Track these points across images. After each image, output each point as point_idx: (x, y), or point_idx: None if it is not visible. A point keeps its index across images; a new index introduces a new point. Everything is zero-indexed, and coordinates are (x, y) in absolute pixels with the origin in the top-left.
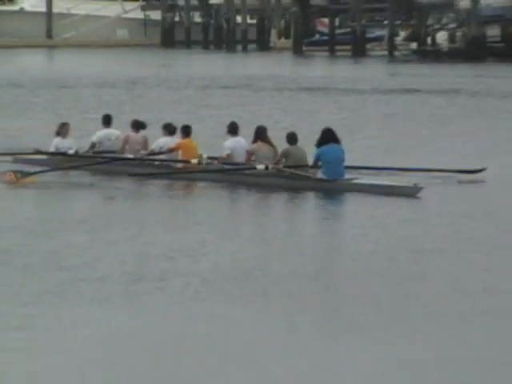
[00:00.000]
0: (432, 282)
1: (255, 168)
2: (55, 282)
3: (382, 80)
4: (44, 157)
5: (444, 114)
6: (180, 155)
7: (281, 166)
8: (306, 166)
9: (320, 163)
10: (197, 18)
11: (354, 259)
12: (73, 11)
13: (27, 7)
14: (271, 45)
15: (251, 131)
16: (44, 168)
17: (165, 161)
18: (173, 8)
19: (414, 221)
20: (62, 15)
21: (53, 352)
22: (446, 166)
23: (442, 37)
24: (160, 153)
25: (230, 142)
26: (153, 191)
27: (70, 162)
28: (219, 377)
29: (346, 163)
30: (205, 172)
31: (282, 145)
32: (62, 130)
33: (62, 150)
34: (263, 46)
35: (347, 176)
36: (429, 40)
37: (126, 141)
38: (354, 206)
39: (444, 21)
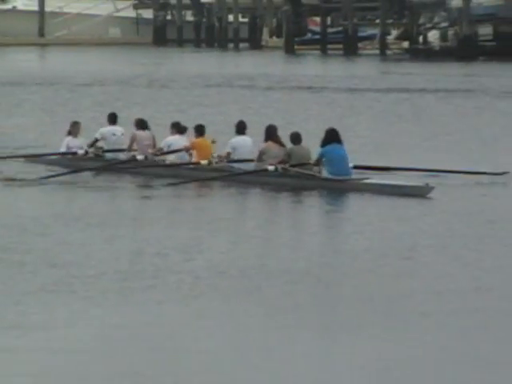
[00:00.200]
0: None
1: (266, 170)
2: (51, 279)
3: (374, 79)
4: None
5: (435, 113)
6: (194, 155)
7: (287, 165)
8: (309, 164)
9: (324, 161)
10: (189, 16)
11: (355, 258)
12: (65, 10)
13: (19, 6)
14: (263, 43)
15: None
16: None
17: (174, 163)
18: (165, 7)
19: (423, 221)
20: (54, 14)
21: (47, 349)
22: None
23: (433, 35)
24: (172, 151)
25: (235, 141)
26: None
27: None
28: (214, 374)
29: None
30: (215, 173)
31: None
32: (74, 130)
33: (74, 149)
34: (255, 44)
35: (357, 176)
36: (420, 39)
37: (134, 138)
38: (363, 205)
39: (436, 19)
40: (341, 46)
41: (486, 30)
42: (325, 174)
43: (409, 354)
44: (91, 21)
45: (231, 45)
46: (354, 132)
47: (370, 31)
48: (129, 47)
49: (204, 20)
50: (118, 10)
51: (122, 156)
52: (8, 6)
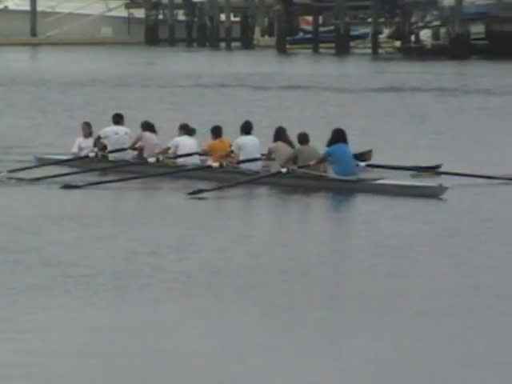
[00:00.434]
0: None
1: (280, 172)
2: (45, 278)
3: (366, 78)
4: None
5: (427, 112)
6: (211, 156)
7: (294, 166)
8: (313, 164)
9: (330, 160)
10: (180, 16)
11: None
12: (57, 9)
13: (11, 6)
14: (255, 43)
15: (236, 129)
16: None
17: (184, 165)
18: (156, 6)
19: (435, 222)
20: (45, 13)
21: (41, 349)
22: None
23: (425, 34)
24: (187, 154)
25: (240, 140)
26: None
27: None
28: (209, 374)
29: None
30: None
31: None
32: (85, 130)
33: (86, 150)
34: (247, 43)
35: (370, 176)
36: (413, 37)
37: (139, 138)
38: (375, 206)
39: (428, 18)
40: (333, 45)
41: (477, 29)
42: (331, 173)
43: (404, 353)
44: (83, 20)
45: (223, 44)
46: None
47: (362, 30)
48: (121, 47)
49: (196, 19)
50: (109, 10)
51: (126, 156)
52: None
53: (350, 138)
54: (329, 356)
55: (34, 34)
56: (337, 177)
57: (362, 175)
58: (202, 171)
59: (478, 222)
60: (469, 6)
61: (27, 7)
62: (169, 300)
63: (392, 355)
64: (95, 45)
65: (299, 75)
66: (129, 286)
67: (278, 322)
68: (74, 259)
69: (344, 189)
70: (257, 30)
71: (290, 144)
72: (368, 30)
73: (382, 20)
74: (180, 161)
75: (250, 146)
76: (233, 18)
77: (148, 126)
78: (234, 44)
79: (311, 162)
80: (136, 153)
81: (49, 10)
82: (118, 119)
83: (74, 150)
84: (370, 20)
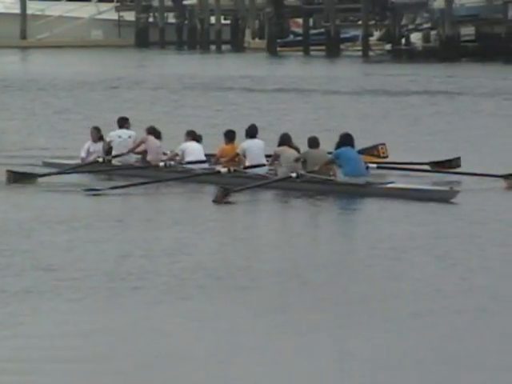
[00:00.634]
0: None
1: (290, 177)
2: (36, 281)
3: (357, 80)
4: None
5: (418, 114)
6: (223, 161)
7: (303, 170)
8: (321, 169)
9: (339, 163)
10: (171, 18)
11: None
12: (47, 12)
13: (1, 9)
14: (245, 45)
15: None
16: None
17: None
18: (147, 9)
19: (445, 226)
20: (36, 16)
21: (34, 351)
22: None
23: (416, 36)
24: (200, 161)
25: (245, 144)
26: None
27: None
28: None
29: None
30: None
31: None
32: (94, 135)
33: (94, 155)
34: (237, 46)
35: (381, 180)
36: (403, 40)
37: (143, 141)
38: (384, 211)
39: (418, 20)
40: (323, 47)
41: (468, 31)
42: (340, 175)
43: (398, 354)
44: (73, 23)
45: (213, 47)
46: (337, 133)
47: (352, 32)
48: (111, 49)
49: (186, 22)
50: (100, 13)
51: (130, 159)
52: None
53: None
54: (322, 357)
55: (24, 36)
56: (346, 180)
57: (373, 178)
58: (210, 176)
59: (487, 224)
60: (459, 8)
61: (17, 10)
62: (162, 302)
63: (385, 356)
64: (85, 48)
65: (290, 77)
66: (121, 288)
67: (272, 324)
68: (65, 262)
69: (353, 193)
70: (247, 33)
71: (296, 149)
72: (358, 32)
73: (372, 22)
74: (189, 166)
75: (255, 149)
76: (223, 21)
77: (154, 132)
78: (224, 47)
79: (316, 168)
80: (139, 156)
81: (39, 12)
82: (122, 123)
83: (83, 154)
84: (360, 22)
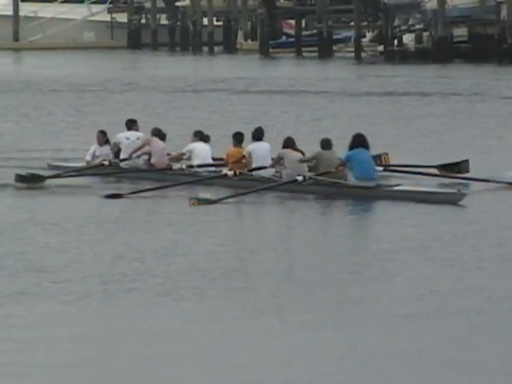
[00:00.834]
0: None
1: (296, 180)
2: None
3: (349, 81)
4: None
5: (411, 115)
6: (229, 163)
7: (311, 173)
8: (334, 171)
9: (350, 166)
10: (163, 20)
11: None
12: (39, 14)
13: None
14: (238, 47)
15: (219, 133)
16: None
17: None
18: (139, 10)
19: (455, 229)
20: (28, 18)
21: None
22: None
23: (408, 38)
24: (208, 165)
25: (251, 146)
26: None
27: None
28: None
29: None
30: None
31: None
32: (100, 139)
33: (100, 158)
34: (230, 47)
35: (388, 182)
36: (395, 41)
37: (147, 143)
38: (392, 214)
39: (411, 22)
40: (316, 48)
41: (460, 32)
42: (351, 178)
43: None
44: (66, 25)
45: (206, 48)
46: (330, 135)
47: (344, 34)
48: (103, 51)
49: (178, 23)
50: (92, 14)
51: (139, 162)
52: None
53: (333, 141)
54: (317, 358)
55: (16, 38)
56: (355, 182)
57: (381, 181)
58: (217, 179)
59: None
60: (451, 9)
61: (10, 12)
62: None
63: (381, 358)
64: (78, 49)
65: (282, 79)
66: (116, 289)
67: (267, 325)
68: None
69: (360, 196)
70: (240, 34)
71: (301, 153)
72: (351, 33)
73: (364, 24)
74: (195, 169)
75: (261, 151)
76: (215, 22)
77: (158, 134)
78: (216, 48)
79: (332, 169)
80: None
81: (31, 14)
82: (130, 125)
83: (88, 157)
84: (352, 24)
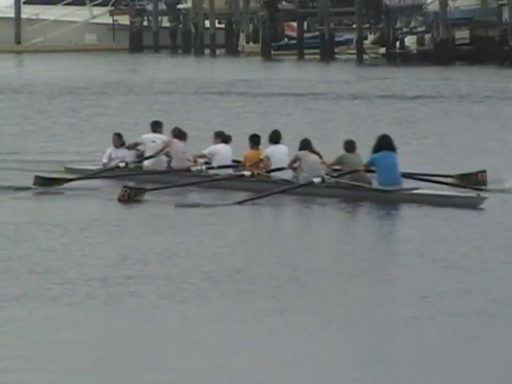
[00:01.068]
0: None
1: (313, 182)
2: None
3: (351, 83)
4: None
5: (412, 117)
6: (247, 166)
7: (335, 174)
8: (360, 170)
9: (374, 169)
10: (165, 22)
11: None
12: (41, 16)
13: None
14: (240, 49)
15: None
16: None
17: (217, 175)
18: (141, 13)
19: (473, 234)
20: (30, 21)
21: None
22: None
23: (410, 40)
24: (226, 166)
25: (268, 150)
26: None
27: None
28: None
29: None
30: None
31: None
32: (116, 141)
33: (116, 161)
34: (232, 50)
35: (407, 185)
36: (397, 43)
37: (168, 145)
38: (410, 218)
39: (412, 24)
40: (317, 50)
41: (462, 34)
42: (374, 182)
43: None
44: (67, 27)
45: (208, 50)
46: (331, 137)
47: (346, 36)
48: (105, 54)
49: (180, 26)
50: (94, 17)
51: (163, 164)
52: None
53: (335, 143)
54: (320, 360)
55: (18, 41)
56: (377, 187)
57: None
58: (234, 180)
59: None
60: (453, 12)
61: (12, 14)
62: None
63: (383, 359)
64: (80, 52)
65: (284, 81)
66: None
67: (270, 326)
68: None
69: (380, 199)
70: (241, 37)
71: (318, 155)
72: (352, 35)
73: (366, 26)
74: (214, 171)
75: (278, 154)
76: (217, 25)
77: (180, 134)
78: (218, 50)
79: (361, 169)
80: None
81: (33, 17)
82: (156, 127)
83: (104, 160)
84: (354, 26)
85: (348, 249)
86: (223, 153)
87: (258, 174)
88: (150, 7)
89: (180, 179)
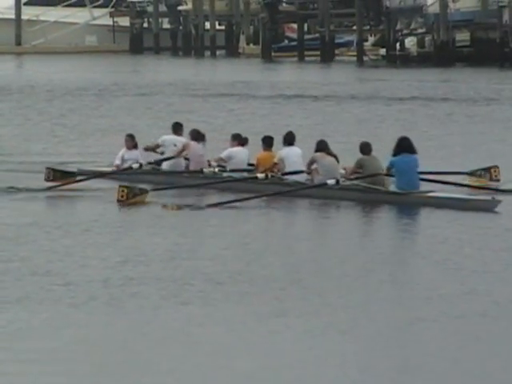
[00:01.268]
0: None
1: (326, 184)
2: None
3: (352, 85)
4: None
5: (413, 119)
6: (259, 168)
7: (352, 176)
8: (381, 174)
9: (393, 172)
10: (165, 24)
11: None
12: (41, 18)
13: None
14: (240, 51)
15: (222, 136)
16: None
17: (230, 177)
18: (141, 14)
19: (488, 238)
20: (30, 22)
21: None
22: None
23: (410, 42)
24: (238, 170)
25: (282, 152)
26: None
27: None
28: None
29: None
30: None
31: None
32: (128, 143)
33: (129, 162)
34: (232, 51)
35: (422, 188)
36: (398, 45)
37: (186, 147)
38: (421, 220)
39: (413, 26)
40: (318, 52)
41: (462, 36)
42: (392, 186)
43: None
44: (68, 29)
45: (208, 52)
46: (332, 138)
47: (346, 38)
48: (105, 55)
49: (180, 28)
50: (94, 18)
51: (182, 165)
52: None
53: (336, 145)
54: (323, 362)
55: (18, 42)
56: (391, 189)
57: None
58: (247, 182)
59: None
60: (454, 13)
61: (12, 16)
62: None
63: (386, 362)
64: (80, 53)
65: (284, 83)
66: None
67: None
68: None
69: (394, 202)
70: (242, 38)
71: (335, 157)
72: (353, 37)
73: (366, 28)
74: (228, 173)
75: (292, 157)
76: (218, 26)
77: (198, 136)
78: (219, 52)
79: (382, 171)
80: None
81: (34, 18)
82: (177, 129)
83: (117, 161)
84: (354, 28)
85: (354, 250)
86: (240, 156)
87: (272, 176)
88: (150, 9)
89: (192, 181)
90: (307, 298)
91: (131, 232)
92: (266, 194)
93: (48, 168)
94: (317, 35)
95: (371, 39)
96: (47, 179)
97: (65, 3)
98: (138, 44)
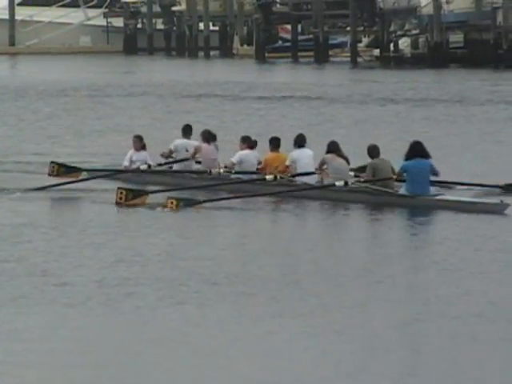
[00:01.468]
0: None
1: (334, 184)
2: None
3: (345, 86)
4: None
5: (406, 120)
6: (266, 169)
7: (362, 179)
8: (392, 178)
9: (405, 177)
10: (159, 25)
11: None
12: (35, 18)
13: None
14: (234, 51)
15: (220, 138)
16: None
17: (238, 179)
18: (135, 15)
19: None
20: (24, 22)
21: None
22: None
23: (404, 43)
24: (246, 172)
25: (294, 154)
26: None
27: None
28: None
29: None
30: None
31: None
32: (136, 144)
33: (137, 163)
34: (226, 52)
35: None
36: (391, 46)
37: (198, 150)
38: (427, 223)
39: (407, 27)
40: (312, 53)
41: (456, 37)
42: (402, 189)
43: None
44: (62, 29)
45: (202, 53)
46: (325, 139)
47: (340, 39)
48: (99, 56)
49: (174, 28)
50: (88, 19)
51: (192, 166)
52: None
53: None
54: (319, 362)
55: (12, 43)
56: (400, 192)
57: None
58: (256, 184)
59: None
60: (447, 15)
61: (6, 16)
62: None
63: (383, 362)
64: (74, 54)
65: (278, 84)
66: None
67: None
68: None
69: (403, 205)
70: (236, 39)
71: (346, 159)
72: (347, 38)
73: (360, 29)
74: (236, 175)
75: (304, 159)
76: (212, 27)
77: (209, 136)
78: (212, 53)
79: (394, 176)
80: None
81: (27, 19)
82: (187, 132)
83: (125, 163)
84: (348, 29)
85: (354, 252)
86: (250, 159)
87: (281, 177)
88: (144, 9)
89: (199, 182)
90: (303, 299)
91: (127, 232)
92: (269, 193)
93: (52, 162)
94: (311, 36)
95: (365, 40)
96: (51, 174)
97: (59, 4)
98: (131, 44)
